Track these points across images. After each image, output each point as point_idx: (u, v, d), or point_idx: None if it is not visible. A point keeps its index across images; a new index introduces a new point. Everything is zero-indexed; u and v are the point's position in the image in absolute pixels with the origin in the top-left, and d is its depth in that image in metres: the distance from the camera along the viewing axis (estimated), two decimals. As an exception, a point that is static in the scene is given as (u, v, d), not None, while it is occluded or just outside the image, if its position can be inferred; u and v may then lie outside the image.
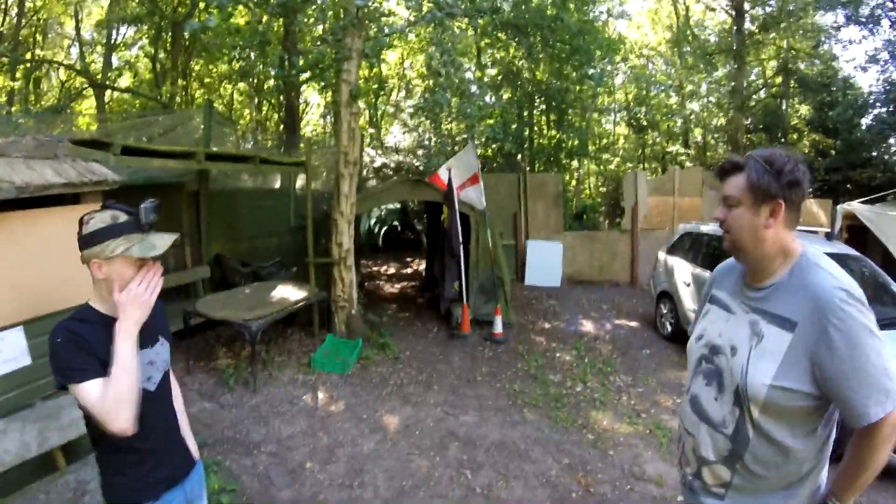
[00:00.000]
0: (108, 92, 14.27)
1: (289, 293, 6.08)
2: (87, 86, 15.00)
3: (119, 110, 14.82)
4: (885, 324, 4.60)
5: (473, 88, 6.82)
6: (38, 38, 15.56)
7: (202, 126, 8.01)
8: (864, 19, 12.94)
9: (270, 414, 4.85)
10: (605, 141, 16.94)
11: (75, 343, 1.61)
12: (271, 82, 16.24)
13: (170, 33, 14.14)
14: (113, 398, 1.56)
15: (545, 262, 10.68)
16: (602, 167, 18.56)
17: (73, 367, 1.59)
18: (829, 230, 6.93)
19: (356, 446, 4.38)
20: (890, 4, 12.51)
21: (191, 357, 5.91)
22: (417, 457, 4.26)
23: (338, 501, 3.64)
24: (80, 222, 1.68)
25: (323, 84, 14.82)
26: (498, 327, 7.22)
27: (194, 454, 2.03)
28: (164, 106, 13.03)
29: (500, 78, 14.23)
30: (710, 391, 1.75)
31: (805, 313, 1.51)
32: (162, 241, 1.71)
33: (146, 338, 1.81)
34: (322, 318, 6.91)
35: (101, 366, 1.61)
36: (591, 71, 10.99)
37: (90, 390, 1.58)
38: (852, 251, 5.81)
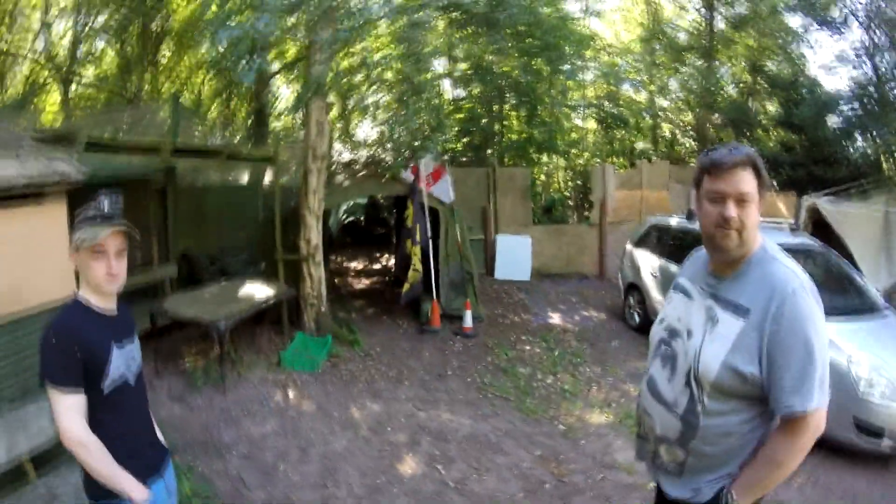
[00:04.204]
0: (73, 86, 13.71)
1: (257, 291, 6.02)
2: (51, 80, 14.40)
3: (85, 104, 14.23)
4: (846, 313, 4.75)
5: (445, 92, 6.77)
6: (3, 28, 14.82)
7: (169, 120, 7.84)
8: (832, 19, 13.31)
9: (241, 415, 4.80)
10: (574, 136, 17.05)
11: (69, 344, 1.68)
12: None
13: (138, 22, 13.65)
14: (81, 438, 1.67)
15: (514, 255, 10.75)
16: (571, 162, 18.72)
17: (58, 369, 1.68)
18: (793, 222, 7.18)
19: (328, 445, 4.38)
20: (859, 4, 12.88)
21: (159, 358, 5.79)
22: (390, 453, 4.29)
23: (311, 501, 3.64)
24: None
25: (292, 76, 14.58)
26: (468, 321, 7.27)
27: (164, 443, 2.12)
28: (129, 101, 12.63)
29: (470, 72, 14.21)
30: (665, 373, 1.81)
31: (759, 301, 1.57)
32: (104, 230, 1.75)
33: (126, 333, 1.92)
34: (291, 316, 6.82)
35: (83, 369, 1.70)
36: (563, 66, 11.00)
37: (61, 400, 1.67)
38: (815, 243, 5.86)
